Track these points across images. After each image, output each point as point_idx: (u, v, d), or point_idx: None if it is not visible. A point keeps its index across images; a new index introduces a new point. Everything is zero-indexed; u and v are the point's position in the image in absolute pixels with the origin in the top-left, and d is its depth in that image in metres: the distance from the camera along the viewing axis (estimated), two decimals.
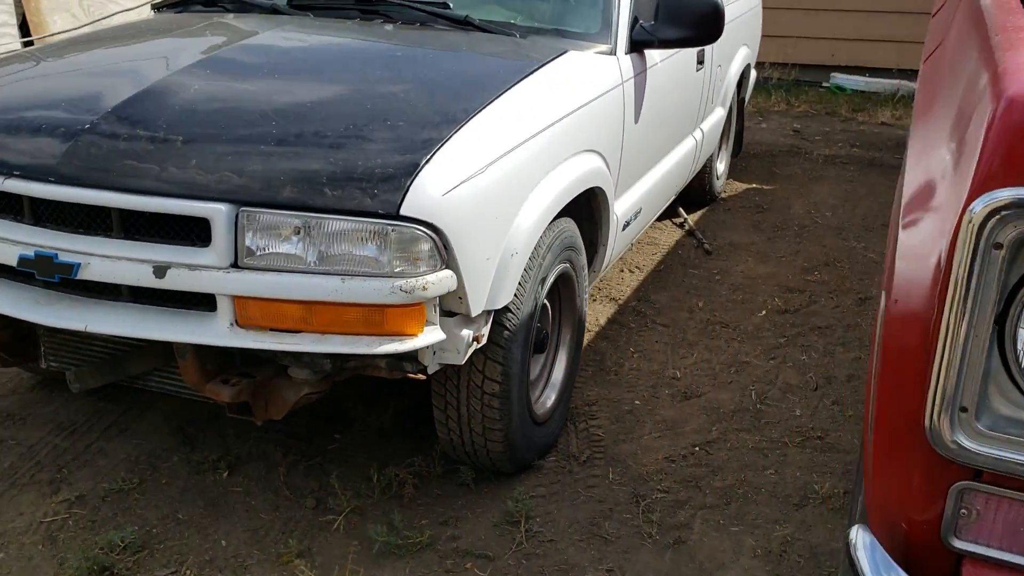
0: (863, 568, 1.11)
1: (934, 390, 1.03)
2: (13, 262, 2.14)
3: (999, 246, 0.96)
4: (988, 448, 1.03)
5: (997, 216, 0.95)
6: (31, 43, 5.71)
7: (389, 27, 2.84)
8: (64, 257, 2.09)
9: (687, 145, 3.98)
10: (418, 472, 2.66)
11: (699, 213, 4.98)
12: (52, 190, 2.09)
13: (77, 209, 2.12)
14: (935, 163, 1.17)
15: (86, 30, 6.12)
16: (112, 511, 2.53)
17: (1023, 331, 1.01)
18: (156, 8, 3.37)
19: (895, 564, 1.09)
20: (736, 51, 4.81)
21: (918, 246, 1.13)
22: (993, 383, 1.03)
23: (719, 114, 4.58)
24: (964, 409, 1.03)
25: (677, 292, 3.99)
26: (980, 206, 0.95)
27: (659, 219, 4.76)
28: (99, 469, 2.71)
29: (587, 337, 3.48)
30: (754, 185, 5.50)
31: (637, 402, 3.12)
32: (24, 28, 5.74)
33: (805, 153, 6.16)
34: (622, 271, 4.20)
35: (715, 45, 4.03)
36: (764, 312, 3.80)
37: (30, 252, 2.11)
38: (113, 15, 6.30)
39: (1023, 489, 1.06)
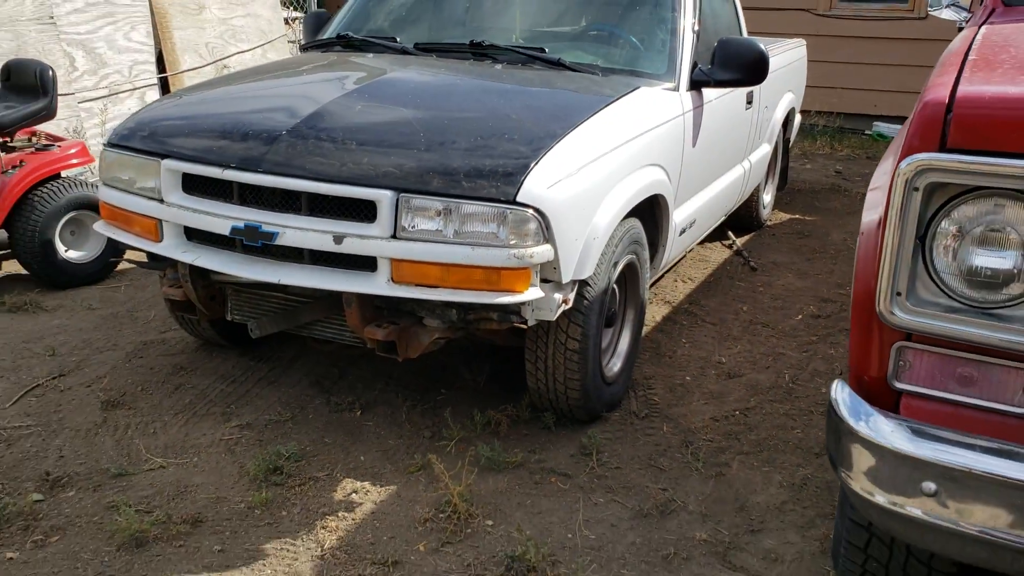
0: (840, 404, 1.74)
1: (880, 280, 1.67)
2: (225, 231, 2.88)
3: (916, 189, 1.61)
4: (914, 318, 1.66)
5: (915, 170, 1.60)
6: (166, 78, 6.62)
7: (498, 66, 3.58)
8: (266, 228, 2.82)
9: (736, 172, 4.65)
10: (510, 415, 3.32)
11: (746, 237, 5.63)
12: (259, 178, 2.83)
13: (272, 192, 2.87)
14: (891, 152, 1.81)
15: (233, 67, 7.01)
16: (273, 434, 3.24)
17: (936, 244, 1.65)
18: (304, 48, 4.18)
19: (861, 399, 1.72)
20: (782, 96, 5.50)
21: (874, 201, 1.78)
22: (918, 277, 1.67)
23: (765, 149, 5.25)
24: (899, 293, 1.66)
25: (724, 299, 4.63)
26: (904, 164, 1.60)
27: (710, 241, 5.41)
28: (258, 407, 3.43)
29: (645, 331, 4.12)
30: (797, 216, 6.13)
31: (688, 378, 3.76)
32: (160, 63, 6.66)
33: (845, 191, 6.77)
34: (676, 281, 4.85)
35: (763, 89, 4.74)
36: (800, 316, 4.42)
37: (240, 224, 2.85)
38: (231, 56, 7.23)
39: (938, 345, 1.69)
